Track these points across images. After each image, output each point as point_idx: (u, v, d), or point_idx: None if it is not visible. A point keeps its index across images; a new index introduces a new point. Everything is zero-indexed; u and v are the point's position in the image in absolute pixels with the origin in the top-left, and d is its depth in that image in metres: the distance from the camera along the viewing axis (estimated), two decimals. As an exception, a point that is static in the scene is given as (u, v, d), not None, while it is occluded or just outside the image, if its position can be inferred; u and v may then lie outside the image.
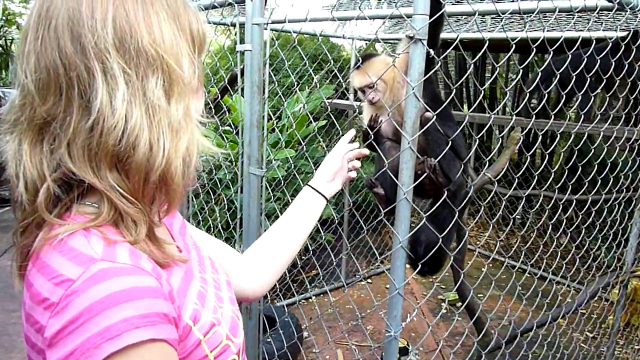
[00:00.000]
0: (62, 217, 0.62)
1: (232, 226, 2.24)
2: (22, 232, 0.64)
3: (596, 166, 1.94)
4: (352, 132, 1.29)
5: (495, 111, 5.10)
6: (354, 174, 1.28)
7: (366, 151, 1.28)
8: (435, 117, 1.31)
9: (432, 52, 1.16)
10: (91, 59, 0.58)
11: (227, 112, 2.96)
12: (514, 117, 2.00)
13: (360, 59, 1.71)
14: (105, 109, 0.58)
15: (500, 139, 4.28)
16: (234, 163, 2.57)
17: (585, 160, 1.95)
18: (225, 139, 2.78)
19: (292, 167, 2.68)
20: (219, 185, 2.75)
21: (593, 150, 1.99)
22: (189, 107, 0.67)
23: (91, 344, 0.52)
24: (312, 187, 1.19)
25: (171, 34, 0.64)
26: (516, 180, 1.72)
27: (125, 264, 0.57)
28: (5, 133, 0.63)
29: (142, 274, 0.58)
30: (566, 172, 2.02)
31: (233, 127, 3.01)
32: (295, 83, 2.10)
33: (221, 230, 2.83)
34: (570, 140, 2.08)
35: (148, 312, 0.55)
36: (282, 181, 2.58)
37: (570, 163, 1.89)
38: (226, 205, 2.91)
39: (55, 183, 0.61)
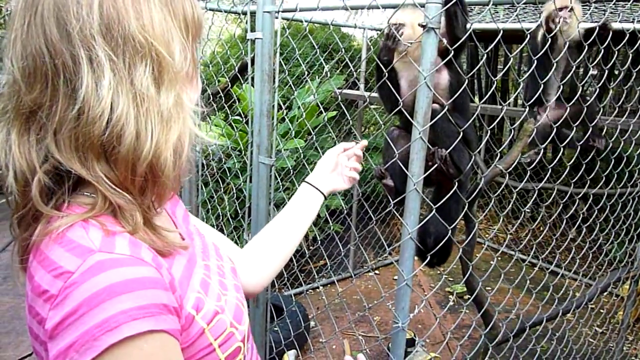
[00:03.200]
0: (59, 208, 0.61)
1: (240, 215, 2.24)
2: (18, 224, 0.63)
3: (612, 160, 1.90)
4: (348, 143, 1.25)
5: (507, 102, 5.04)
6: (354, 174, 1.23)
7: (365, 143, 1.23)
8: (446, 107, 1.30)
9: (444, 41, 1.14)
10: (77, 46, 0.56)
11: (237, 101, 2.96)
12: (527, 109, 1.97)
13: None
14: (90, 97, 0.57)
15: (512, 131, 4.22)
16: (243, 152, 2.57)
17: (600, 154, 1.91)
18: (234, 128, 2.78)
19: (302, 157, 2.68)
20: (228, 174, 2.76)
21: (610, 144, 1.96)
22: (181, 96, 0.64)
23: (90, 335, 0.52)
24: (309, 183, 1.18)
25: (162, 19, 0.61)
26: (528, 173, 1.70)
27: (124, 254, 0.57)
28: None
29: (141, 265, 0.57)
30: (583, 166, 1.98)
31: (243, 116, 3.00)
32: (306, 72, 2.09)
33: (230, 219, 2.84)
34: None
35: (147, 304, 0.55)
36: (291, 171, 2.58)
37: (587, 158, 1.85)
38: (235, 194, 2.92)
39: (46, 175, 0.60)
